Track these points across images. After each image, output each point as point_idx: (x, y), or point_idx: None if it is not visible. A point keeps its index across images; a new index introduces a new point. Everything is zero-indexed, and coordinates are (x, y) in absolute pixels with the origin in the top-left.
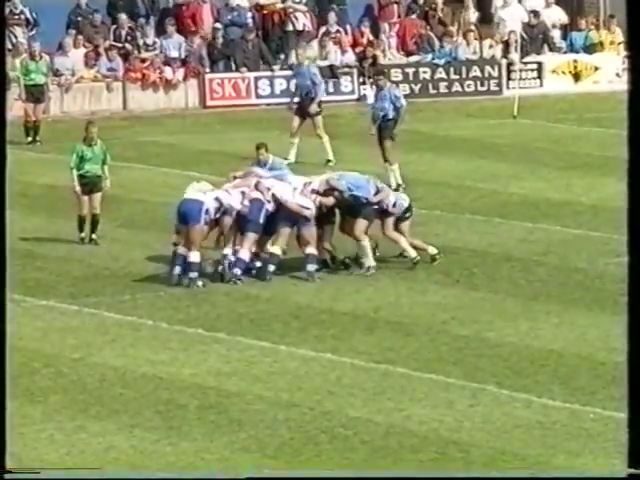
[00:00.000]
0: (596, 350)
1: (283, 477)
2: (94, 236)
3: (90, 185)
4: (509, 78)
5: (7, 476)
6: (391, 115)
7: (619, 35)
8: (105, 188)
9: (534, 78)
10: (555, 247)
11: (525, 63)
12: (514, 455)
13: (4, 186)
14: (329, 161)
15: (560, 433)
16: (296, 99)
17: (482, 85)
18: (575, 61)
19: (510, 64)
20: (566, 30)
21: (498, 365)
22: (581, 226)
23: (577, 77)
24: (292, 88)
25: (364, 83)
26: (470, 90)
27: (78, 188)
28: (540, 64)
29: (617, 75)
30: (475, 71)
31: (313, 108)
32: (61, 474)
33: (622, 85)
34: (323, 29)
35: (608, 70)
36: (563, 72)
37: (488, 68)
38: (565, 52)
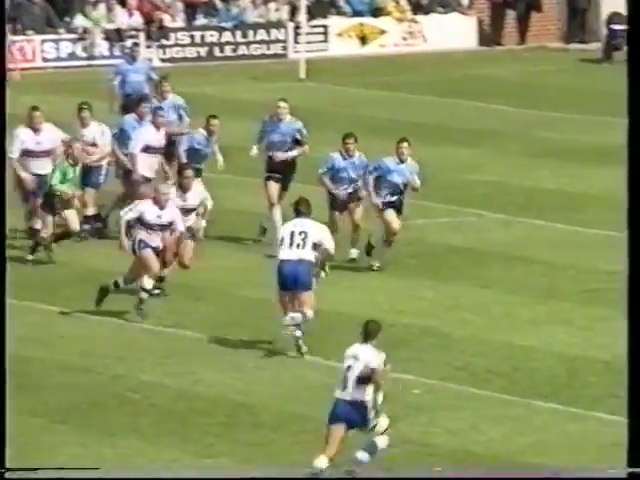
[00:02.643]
0: (384, 312)
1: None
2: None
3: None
4: (296, 41)
5: (7, 475)
6: (146, 90)
7: (405, 5)
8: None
9: (320, 41)
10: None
11: (312, 26)
12: (303, 417)
13: (4, 187)
14: None
15: None
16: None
17: (268, 48)
18: (361, 24)
19: (297, 27)
20: None
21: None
22: None
23: (363, 40)
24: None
25: (150, 47)
26: (257, 53)
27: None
28: (326, 27)
29: (403, 39)
30: (262, 34)
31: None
32: (61, 474)
33: (408, 48)
34: None
35: (394, 33)
36: (350, 35)
37: (274, 31)
38: (352, 16)
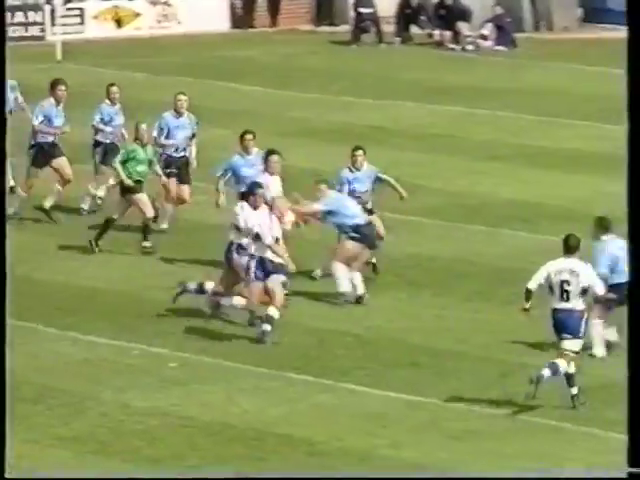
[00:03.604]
0: (139, 289)
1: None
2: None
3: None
4: (52, 24)
5: (7, 475)
6: None
7: None
8: None
9: (77, 24)
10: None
11: (68, 9)
12: (62, 391)
13: (4, 193)
14: None
15: (106, 370)
16: None
17: (26, 30)
18: (116, 7)
19: (53, 10)
20: None
21: (46, 304)
22: None
23: (119, 23)
24: None
25: None
26: (15, 35)
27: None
28: (82, 10)
29: (158, 21)
30: (19, 17)
31: None
32: (61, 474)
33: (162, 31)
34: None
35: (149, 16)
36: (105, 18)
37: (32, 13)
38: None
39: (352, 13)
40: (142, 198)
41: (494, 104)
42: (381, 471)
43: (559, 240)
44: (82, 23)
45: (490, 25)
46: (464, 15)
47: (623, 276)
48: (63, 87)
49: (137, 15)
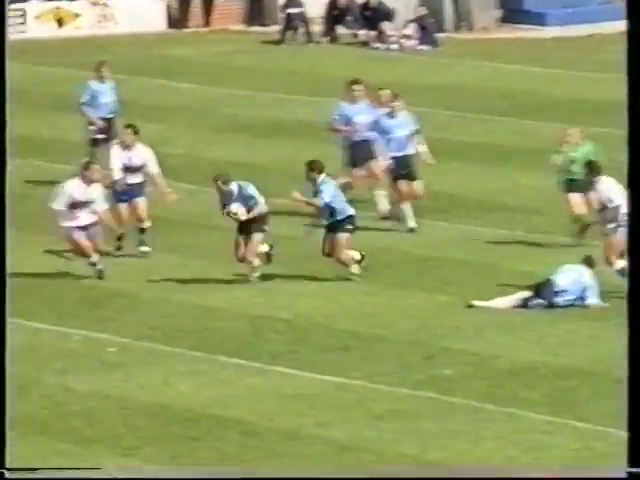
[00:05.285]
0: (76, 278)
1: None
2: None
3: None
4: None
5: (7, 475)
6: None
7: None
8: None
9: (20, 24)
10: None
11: (11, 10)
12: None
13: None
14: None
15: (48, 354)
16: None
17: None
18: (58, 8)
19: None
20: None
21: None
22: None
23: (60, 23)
24: None
25: None
26: None
27: None
28: (24, 10)
29: (97, 22)
30: None
31: None
32: (61, 474)
33: (101, 30)
34: None
35: (88, 16)
36: (47, 18)
37: None
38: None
39: (281, 14)
40: None
41: (416, 100)
42: (309, 448)
43: (474, 229)
44: (24, 23)
45: (413, 25)
46: (388, 16)
47: None
48: None
49: (77, 15)
